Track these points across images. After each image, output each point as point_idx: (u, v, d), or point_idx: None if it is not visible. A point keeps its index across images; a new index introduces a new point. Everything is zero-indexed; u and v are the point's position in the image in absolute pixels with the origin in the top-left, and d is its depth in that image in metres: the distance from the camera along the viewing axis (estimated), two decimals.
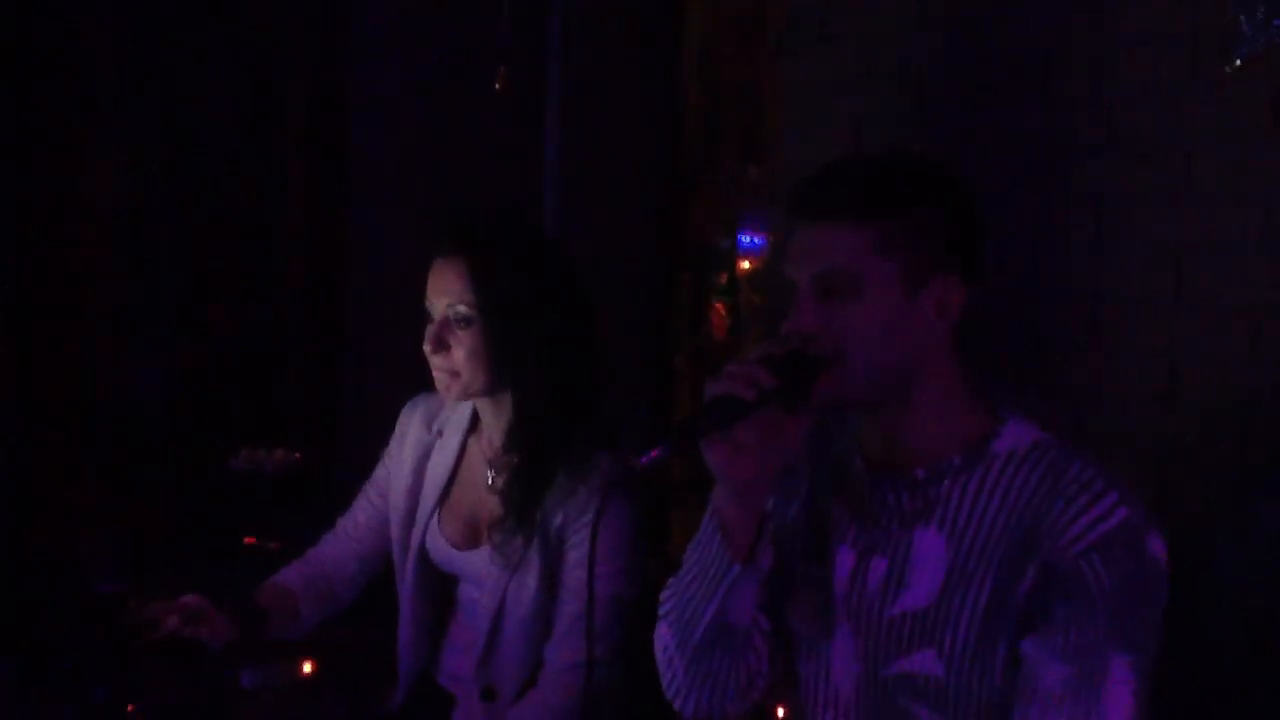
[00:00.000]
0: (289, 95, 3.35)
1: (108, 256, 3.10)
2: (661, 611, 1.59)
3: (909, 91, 2.91)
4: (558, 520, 1.89)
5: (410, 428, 2.10)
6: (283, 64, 3.32)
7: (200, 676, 2.52)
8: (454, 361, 1.88)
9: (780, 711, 1.79)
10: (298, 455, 2.93)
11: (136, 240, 3.16)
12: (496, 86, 2.90)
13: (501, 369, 1.88)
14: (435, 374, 1.91)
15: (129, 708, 2.44)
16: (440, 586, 2.10)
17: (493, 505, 1.95)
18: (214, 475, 2.88)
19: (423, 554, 2.06)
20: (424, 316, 1.90)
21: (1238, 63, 2.09)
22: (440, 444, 2.06)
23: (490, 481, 1.97)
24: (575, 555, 1.88)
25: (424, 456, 2.07)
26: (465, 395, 1.92)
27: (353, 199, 3.33)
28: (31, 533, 3.05)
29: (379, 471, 2.16)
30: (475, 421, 2.04)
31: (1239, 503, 2.23)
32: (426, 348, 1.89)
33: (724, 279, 3.40)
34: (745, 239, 3.38)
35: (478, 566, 1.98)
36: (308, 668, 2.52)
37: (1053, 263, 2.62)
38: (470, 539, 2.01)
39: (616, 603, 1.88)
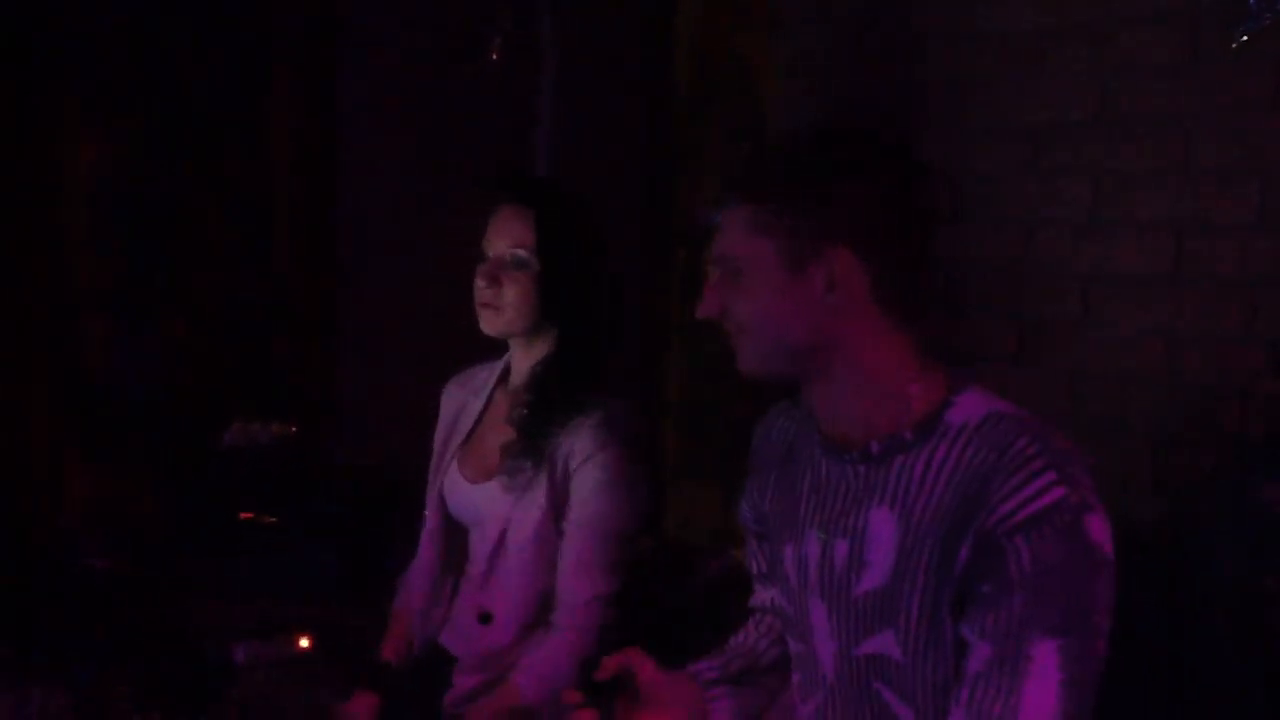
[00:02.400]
0: (276, 66, 3.31)
1: (90, 232, 3.06)
2: None
3: (898, 70, 2.92)
4: (566, 450, 1.99)
5: (449, 398, 2.23)
6: (270, 35, 3.28)
7: (192, 653, 2.52)
8: (503, 298, 2.03)
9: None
10: (292, 428, 2.91)
11: (122, 216, 3.13)
12: (493, 56, 2.88)
13: (546, 310, 2.03)
14: (482, 309, 2.05)
15: (120, 688, 2.43)
16: (454, 543, 2.16)
17: (508, 436, 2.05)
18: (207, 450, 2.85)
19: (441, 500, 2.16)
20: (477, 255, 2.05)
21: (1244, 39, 2.09)
22: (473, 398, 2.19)
23: (508, 417, 2.07)
24: (586, 489, 1.98)
25: (458, 412, 2.20)
26: (505, 331, 2.06)
27: (341, 172, 3.30)
28: (22, 513, 3.02)
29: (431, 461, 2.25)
30: (506, 374, 2.16)
31: (1235, 480, 2.26)
32: (480, 282, 2.03)
33: None
34: None
35: (487, 499, 2.06)
36: (305, 642, 2.51)
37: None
38: (484, 473, 2.09)
39: (627, 538, 2.00)
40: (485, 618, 2.05)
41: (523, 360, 2.10)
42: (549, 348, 2.06)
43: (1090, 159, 2.57)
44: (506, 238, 2.02)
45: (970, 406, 1.43)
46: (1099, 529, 1.34)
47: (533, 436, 2.01)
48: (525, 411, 2.03)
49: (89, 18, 3.06)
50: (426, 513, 2.19)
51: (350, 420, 3.14)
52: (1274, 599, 2.16)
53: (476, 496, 2.09)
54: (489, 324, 2.05)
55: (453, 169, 3.20)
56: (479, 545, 2.09)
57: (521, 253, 2.01)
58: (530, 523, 2.00)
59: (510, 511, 2.01)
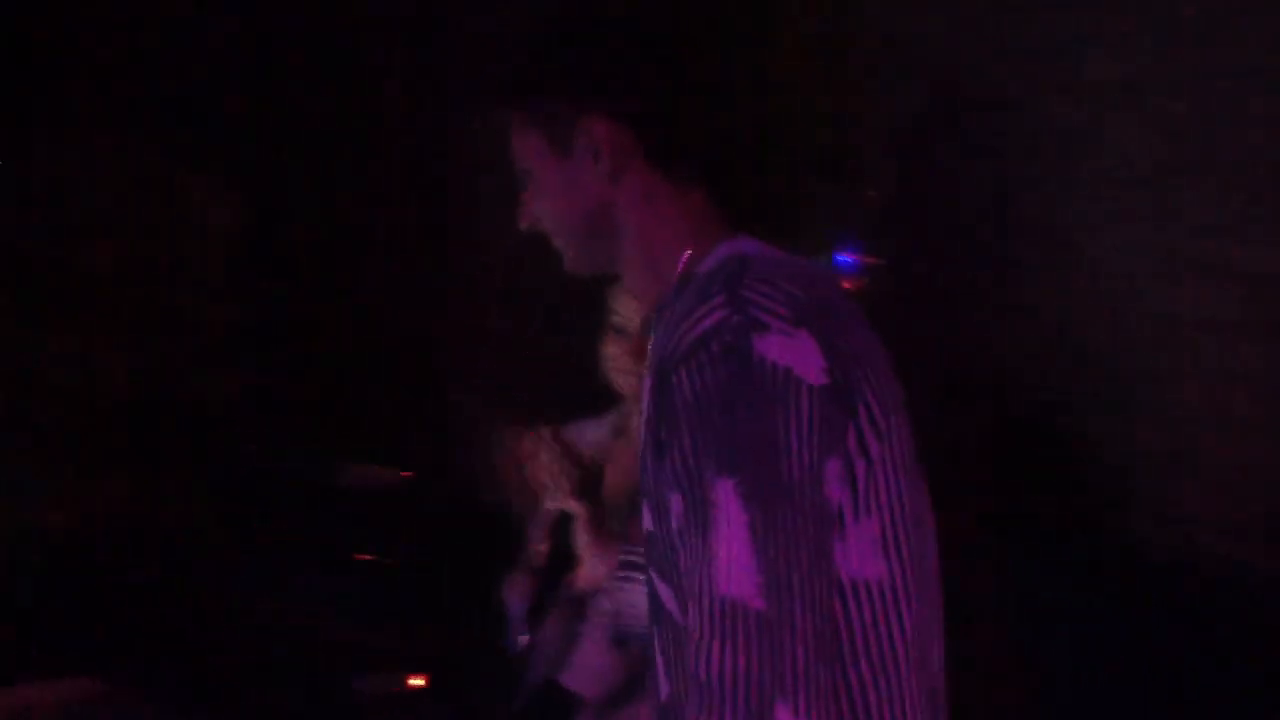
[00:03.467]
0: (390, 127, 3.48)
1: (221, 276, 3.24)
2: None
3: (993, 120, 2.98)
4: None
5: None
6: (384, 101, 3.45)
7: (316, 685, 2.64)
8: None
9: None
10: (405, 473, 3.03)
11: (250, 262, 3.30)
12: None
13: None
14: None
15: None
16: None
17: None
18: (324, 491, 2.99)
19: None
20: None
21: None
22: None
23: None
24: None
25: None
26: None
27: (451, 223, 3.45)
28: (145, 551, 3.18)
29: None
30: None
31: None
32: None
33: None
34: (840, 259, 3.43)
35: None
36: (420, 681, 2.62)
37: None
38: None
39: None
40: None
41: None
42: None
43: (1182, 205, 2.60)
44: None
45: (722, 253, 1.28)
46: (778, 349, 1.13)
47: None
48: None
49: (226, 86, 3.26)
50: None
51: (464, 466, 3.26)
52: None
53: None
54: None
55: None
56: None
57: None
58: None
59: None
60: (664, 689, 1.28)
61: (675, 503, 1.15)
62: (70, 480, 3.05)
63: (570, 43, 1.32)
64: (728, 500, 1.11)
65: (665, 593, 1.24)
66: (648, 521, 1.25)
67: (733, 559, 1.10)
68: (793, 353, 1.13)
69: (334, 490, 2.98)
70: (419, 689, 2.60)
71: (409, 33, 3.44)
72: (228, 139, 3.21)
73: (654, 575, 1.26)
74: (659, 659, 1.29)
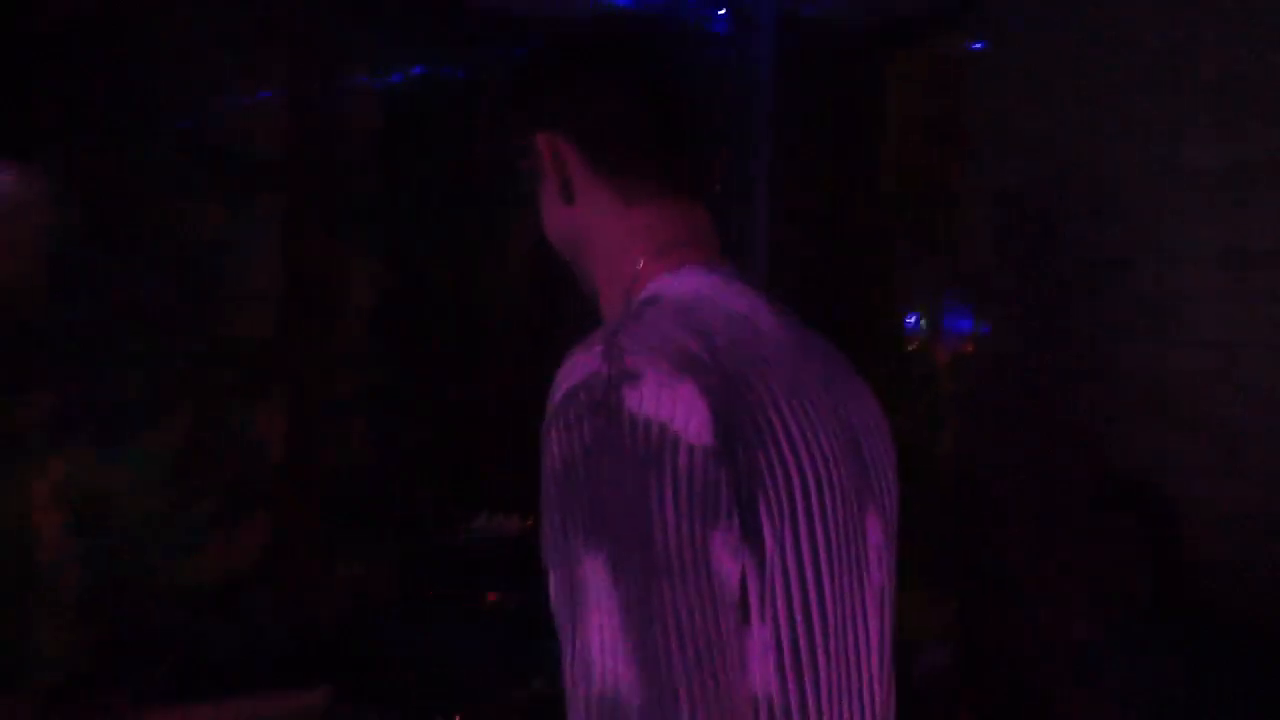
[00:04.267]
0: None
1: (365, 340, 3.47)
2: None
3: (1090, 200, 3.08)
4: None
5: None
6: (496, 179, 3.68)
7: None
8: None
9: None
10: (529, 521, 3.24)
11: (390, 325, 3.54)
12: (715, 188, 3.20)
13: None
14: None
15: None
16: None
17: None
18: (460, 538, 3.21)
19: None
20: None
21: None
22: None
23: None
24: None
25: None
26: None
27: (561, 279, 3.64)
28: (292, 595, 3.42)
29: None
30: None
31: None
32: None
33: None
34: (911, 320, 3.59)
35: None
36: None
37: None
38: None
39: None
40: None
41: None
42: None
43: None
44: None
45: (653, 289, 1.17)
46: (652, 403, 0.99)
47: None
48: None
49: (364, 162, 3.49)
50: None
51: None
52: None
53: None
54: None
55: None
56: None
57: None
58: None
59: None
60: None
61: (552, 581, 1.01)
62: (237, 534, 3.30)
63: (522, 75, 1.28)
64: (597, 577, 0.96)
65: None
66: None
67: (605, 646, 0.95)
68: (670, 406, 0.98)
69: (468, 539, 3.20)
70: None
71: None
72: (372, 217, 3.46)
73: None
74: None
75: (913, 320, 3.75)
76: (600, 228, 1.22)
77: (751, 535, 0.97)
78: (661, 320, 1.06)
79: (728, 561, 0.96)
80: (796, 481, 1.01)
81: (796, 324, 1.19)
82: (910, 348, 3.77)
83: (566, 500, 0.99)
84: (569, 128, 1.22)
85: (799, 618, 1.00)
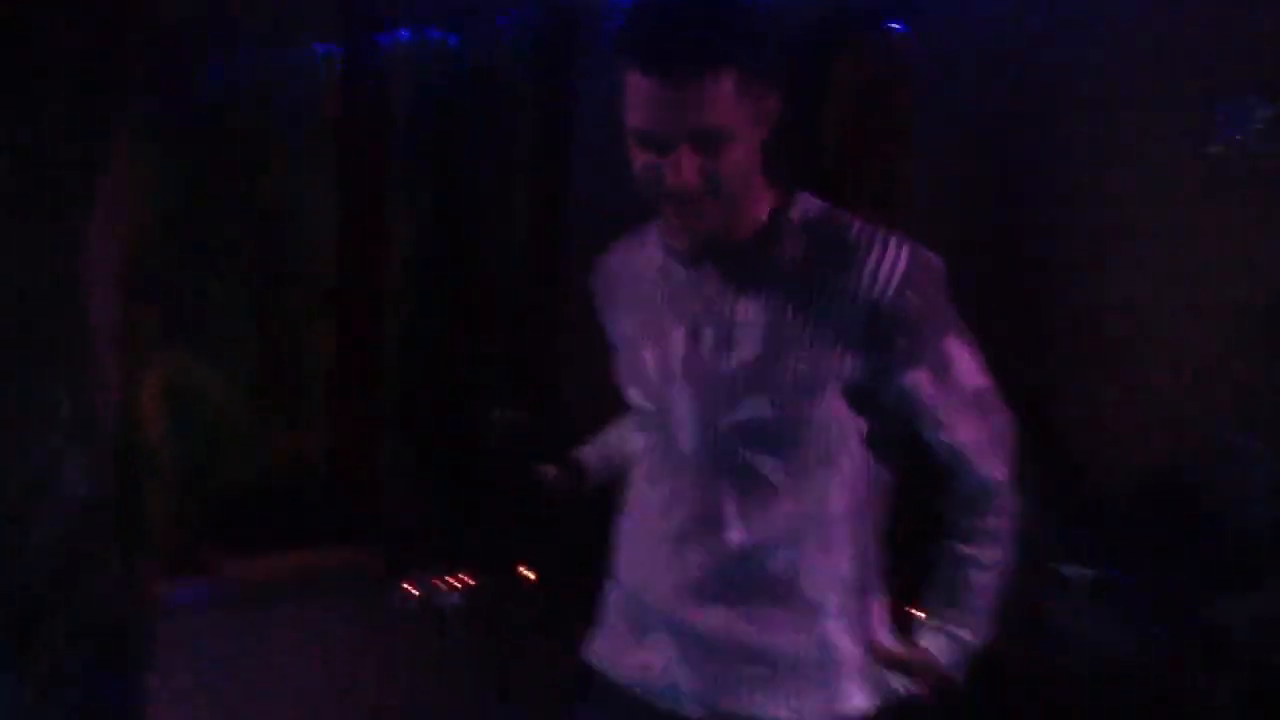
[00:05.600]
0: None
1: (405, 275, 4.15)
2: None
3: None
4: None
5: None
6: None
7: None
8: None
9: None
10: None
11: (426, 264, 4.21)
12: None
13: None
14: None
15: None
16: None
17: None
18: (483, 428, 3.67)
19: None
20: None
21: None
22: None
23: None
24: None
25: None
26: None
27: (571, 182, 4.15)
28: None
29: None
30: None
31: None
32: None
33: None
34: None
35: None
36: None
37: None
38: None
39: None
40: None
41: None
42: None
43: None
44: None
45: (806, 204, 1.70)
46: (928, 250, 1.66)
47: None
48: None
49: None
50: None
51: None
52: None
53: None
54: None
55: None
56: None
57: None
58: None
59: None
60: (738, 536, 1.69)
61: (920, 375, 1.66)
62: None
63: (772, 32, 1.58)
64: (956, 345, 1.68)
65: (774, 465, 1.66)
66: (765, 410, 1.64)
67: (969, 371, 1.69)
68: (930, 252, 1.66)
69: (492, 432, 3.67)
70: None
71: None
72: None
73: (758, 453, 1.66)
74: (736, 515, 1.68)
75: None
76: (757, 168, 1.66)
77: None
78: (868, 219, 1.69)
79: None
80: None
81: None
82: None
83: (934, 320, 1.66)
84: (783, 92, 1.61)
85: None
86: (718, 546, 1.71)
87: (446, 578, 3.58)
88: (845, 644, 1.73)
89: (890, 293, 1.61)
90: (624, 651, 1.83)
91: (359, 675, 3.64)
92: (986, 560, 1.75)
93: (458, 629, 3.55)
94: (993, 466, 1.75)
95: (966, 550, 1.75)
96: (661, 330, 1.75)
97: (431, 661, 3.66)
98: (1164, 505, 2.81)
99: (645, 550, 1.79)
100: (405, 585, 3.58)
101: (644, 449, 1.83)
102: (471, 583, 3.59)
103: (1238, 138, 2.68)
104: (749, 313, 1.66)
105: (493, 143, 4.16)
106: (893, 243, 1.63)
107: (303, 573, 3.58)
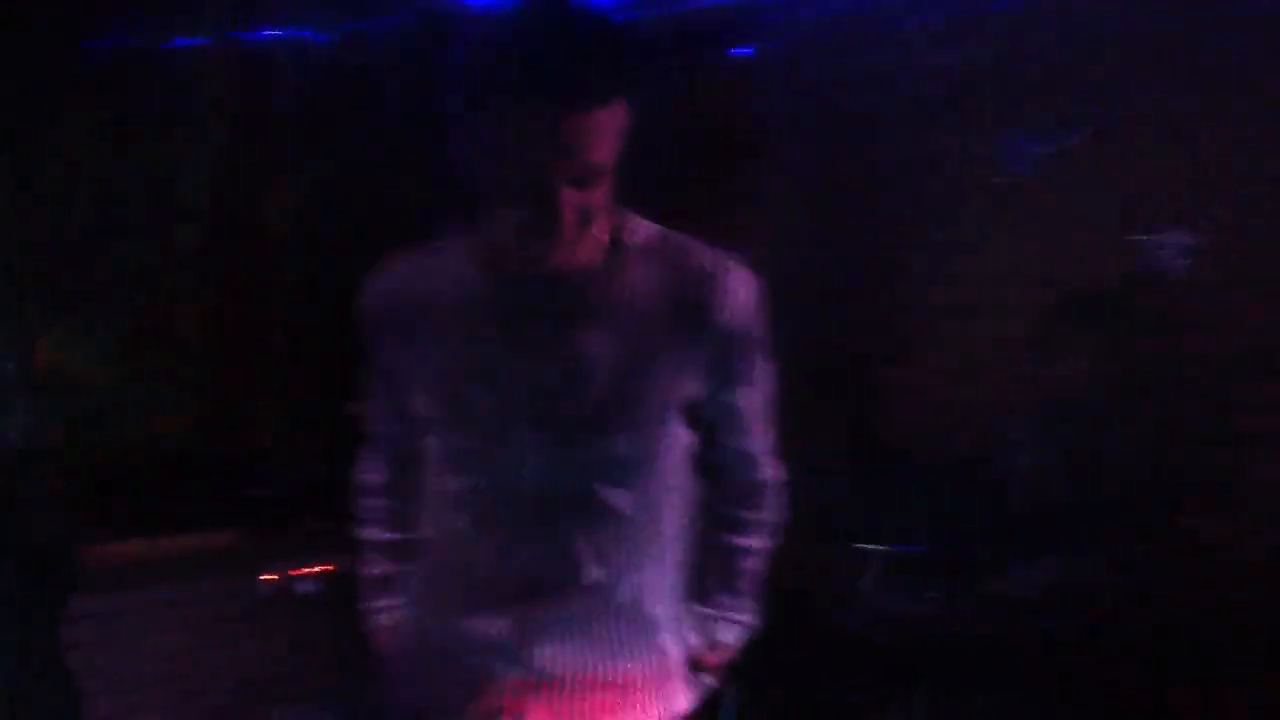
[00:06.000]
0: None
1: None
2: None
3: None
4: None
5: None
6: None
7: None
8: None
9: None
10: None
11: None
12: None
13: None
14: None
15: None
16: None
17: None
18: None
19: None
20: None
21: None
22: None
23: None
24: None
25: None
26: None
27: None
28: None
29: None
30: None
31: None
32: None
33: None
34: None
35: None
36: None
37: None
38: None
39: None
40: None
41: None
42: None
43: None
44: None
45: (643, 229, 1.65)
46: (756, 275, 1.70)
47: None
48: None
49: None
50: None
51: None
52: None
53: None
54: None
55: None
56: None
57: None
58: None
59: None
60: (594, 573, 1.65)
61: (748, 394, 1.73)
62: None
63: (632, 54, 1.49)
64: (763, 368, 1.74)
65: (622, 499, 1.63)
66: (620, 446, 1.61)
67: (768, 382, 1.76)
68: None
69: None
70: None
71: None
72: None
73: (608, 488, 1.62)
74: (591, 553, 1.64)
75: None
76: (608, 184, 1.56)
77: None
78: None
79: None
80: None
81: None
82: None
83: (758, 343, 1.71)
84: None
85: None
86: (570, 587, 1.66)
87: (308, 566, 3.62)
88: (674, 650, 1.78)
89: (737, 317, 1.64)
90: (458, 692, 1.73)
91: (223, 657, 3.65)
92: (757, 548, 1.85)
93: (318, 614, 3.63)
94: (772, 466, 1.86)
95: (740, 542, 1.84)
96: (491, 362, 1.61)
97: (294, 644, 3.67)
98: (957, 488, 3.12)
99: (471, 602, 1.69)
100: (268, 573, 3.60)
101: (456, 495, 1.69)
102: (332, 570, 3.68)
103: (1018, 168, 2.99)
104: (601, 344, 1.58)
105: (363, 140, 4.26)
106: (732, 266, 1.65)
107: (168, 556, 3.57)
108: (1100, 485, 2.97)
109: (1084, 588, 2.90)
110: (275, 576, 3.56)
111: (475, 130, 1.43)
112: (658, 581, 1.73)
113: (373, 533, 1.90)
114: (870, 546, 3.05)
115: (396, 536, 1.86)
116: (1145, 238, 2.81)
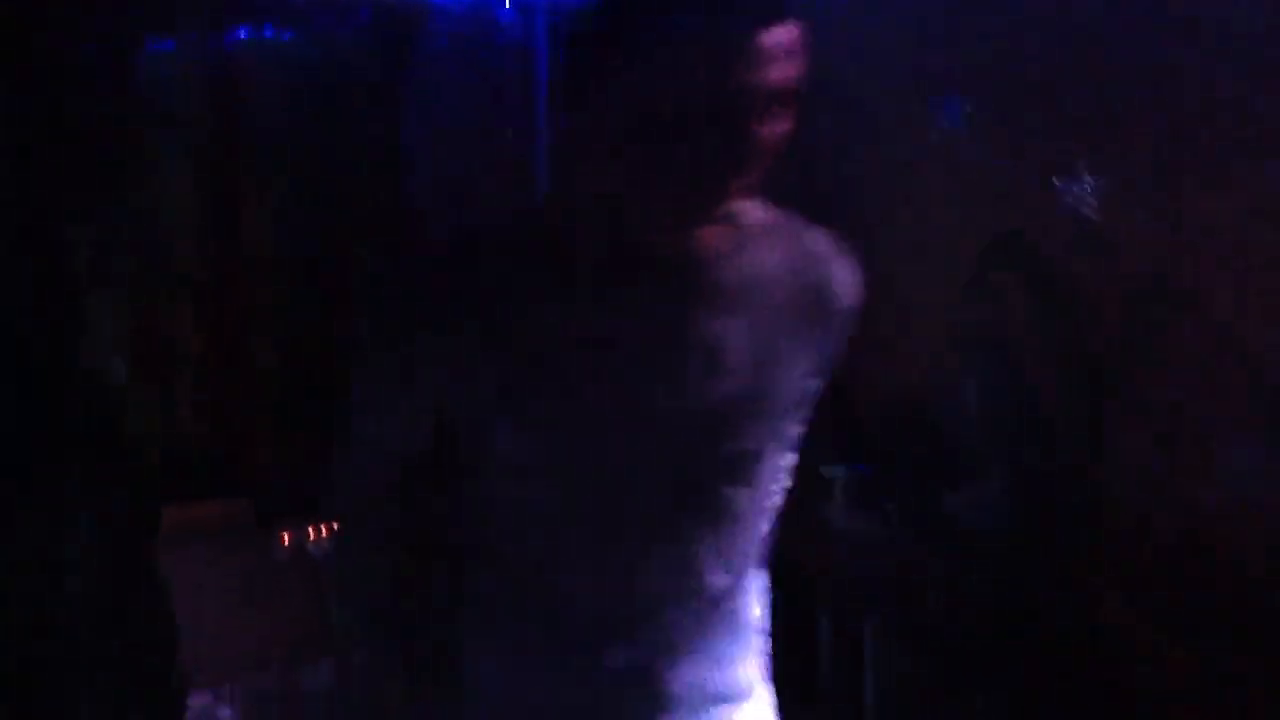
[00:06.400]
0: None
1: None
2: None
3: None
4: None
5: None
6: None
7: None
8: None
9: None
10: None
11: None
12: None
13: None
14: None
15: None
16: None
17: None
18: None
19: None
20: None
21: None
22: None
23: None
24: None
25: None
26: None
27: None
28: None
29: None
30: None
31: None
32: None
33: None
34: None
35: None
36: None
37: None
38: None
39: None
40: None
41: None
42: None
43: None
44: None
45: (751, 211, 1.34)
46: None
47: None
48: None
49: None
50: None
51: None
52: None
53: None
54: None
55: None
56: None
57: None
58: None
59: None
60: (721, 580, 1.40)
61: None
62: None
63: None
64: None
65: (745, 495, 1.38)
66: (741, 468, 1.38)
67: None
68: None
69: None
70: None
71: None
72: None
73: (706, 551, 1.36)
74: (716, 555, 1.39)
75: None
76: None
77: None
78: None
79: None
80: None
81: None
82: None
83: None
84: None
85: None
86: (694, 598, 1.42)
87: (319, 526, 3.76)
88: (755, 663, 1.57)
89: (853, 305, 1.45)
90: None
91: (234, 620, 3.76)
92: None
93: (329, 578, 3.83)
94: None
95: None
96: (570, 369, 1.32)
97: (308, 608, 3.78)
98: (905, 420, 3.45)
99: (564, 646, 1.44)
100: (280, 535, 3.75)
101: (514, 612, 1.43)
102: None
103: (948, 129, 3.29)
104: (726, 333, 1.34)
105: (337, 138, 4.48)
106: (843, 249, 1.45)
107: (177, 525, 3.72)
108: (1035, 406, 3.28)
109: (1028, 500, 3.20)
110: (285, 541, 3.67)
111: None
112: (749, 585, 1.52)
113: (377, 649, 1.53)
114: (831, 470, 3.37)
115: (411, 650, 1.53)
116: (1059, 183, 3.12)
